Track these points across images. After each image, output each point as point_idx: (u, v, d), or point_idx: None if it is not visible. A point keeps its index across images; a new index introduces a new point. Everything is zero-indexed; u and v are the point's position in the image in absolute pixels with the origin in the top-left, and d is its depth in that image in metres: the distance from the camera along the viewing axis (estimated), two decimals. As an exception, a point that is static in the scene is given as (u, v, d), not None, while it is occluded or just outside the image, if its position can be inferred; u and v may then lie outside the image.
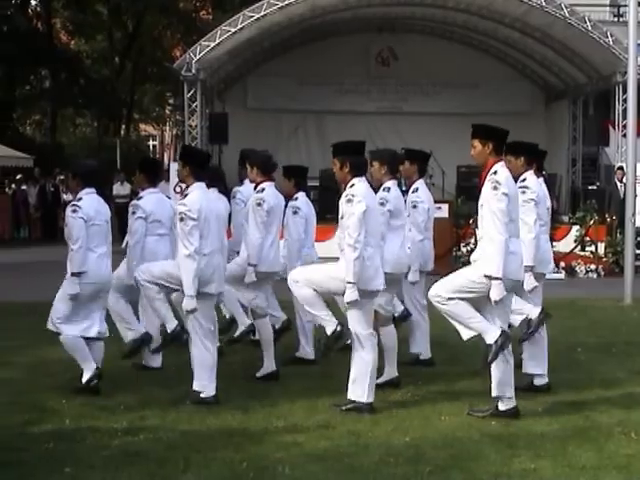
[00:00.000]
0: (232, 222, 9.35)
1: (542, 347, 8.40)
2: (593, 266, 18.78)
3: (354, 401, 7.53)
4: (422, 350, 9.45)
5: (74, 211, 8.11)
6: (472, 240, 18.70)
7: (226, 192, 9.20)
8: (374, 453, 6.47)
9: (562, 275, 18.21)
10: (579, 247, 19.34)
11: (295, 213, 9.43)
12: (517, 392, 7.50)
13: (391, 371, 8.46)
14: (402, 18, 25.76)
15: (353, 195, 7.46)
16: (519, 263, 7.32)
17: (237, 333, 9.29)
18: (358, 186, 7.54)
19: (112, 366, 8.65)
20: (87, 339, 8.17)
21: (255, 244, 8.76)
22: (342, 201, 7.54)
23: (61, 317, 8.13)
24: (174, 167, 18.23)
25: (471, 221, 19.14)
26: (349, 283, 7.34)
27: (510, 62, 27.06)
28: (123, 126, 44.35)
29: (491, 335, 7.16)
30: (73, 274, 8.06)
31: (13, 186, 29.26)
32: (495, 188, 7.12)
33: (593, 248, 19.21)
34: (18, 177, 29.09)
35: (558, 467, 6.18)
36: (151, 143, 55.74)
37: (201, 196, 7.81)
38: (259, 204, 8.79)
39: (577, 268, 18.64)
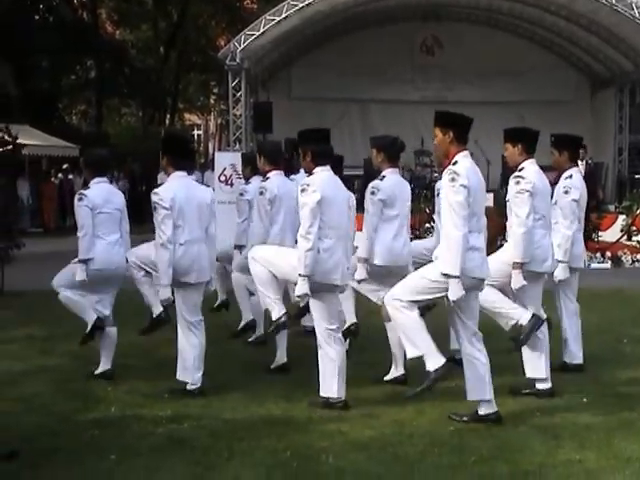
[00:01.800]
0: None
1: (541, 350, 7.82)
2: (639, 256, 18.59)
3: (326, 398, 7.36)
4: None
5: (80, 199, 8.29)
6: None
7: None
8: (418, 442, 6.46)
9: (608, 265, 18.06)
10: (625, 237, 19.16)
11: None
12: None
13: (398, 369, 8.24)
14: (447, 6, 25.65)
15: (308, 185, 7.23)
16: (482, 259, 6.81)
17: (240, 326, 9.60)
18: (316, 176, 7.34)
19: (156, 354, 8.71)
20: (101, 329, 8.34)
21: (256, 233, 8.77)
22: (298, 190, 7.39)
23: (64, 285, 8.34)
24: (218, 156, 18.28)
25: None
26: (300, 275, 7.10)
27: (555, 50, 26.83)
28: (168, 115, 44.47)
29: (433, 362, 6.81)
30: (80, 260, 8.20)
31: (60, 175, 29.55)
32: (453, 180, 6.65)
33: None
34: (64, 166, 29.35)
35: (603, 458, 6.13)
36: (196, 132, 55.84)
37: (176, 185, 7.74)
38: (261, 193, 8.81)
39: (623, 258, 18.42)
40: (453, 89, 26.17)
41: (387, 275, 7.96)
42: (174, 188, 7.72)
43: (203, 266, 7.85)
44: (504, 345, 7.97)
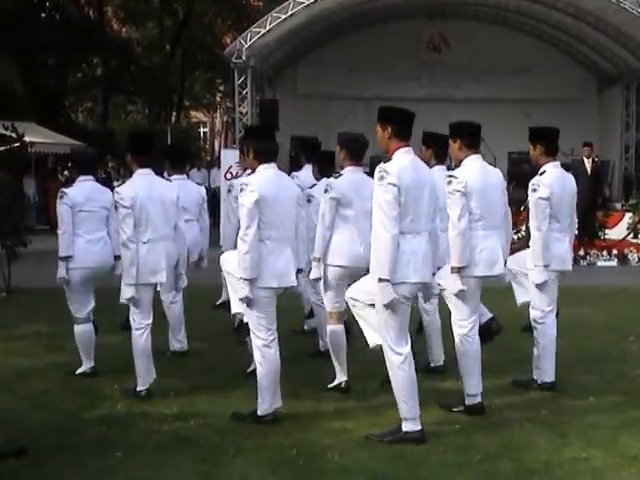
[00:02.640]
0: None
1: (474, 364, 7.29)
2: (646, 254, 18.57)
3: (255, 411, 7.01)
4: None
5: (60, 197, 8.36)
6: (523, 227, 18.57)
7: None
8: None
9: (614, 263, 18.04)
10: (632, 234, 19.14)
11: (308, 201, 8.65)
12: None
13: (341, 375, 7.91)
14: (453, 4, 25.64)
15: (246, 185, 6.85)
16: (420, 262, 6.38)
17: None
18: (257, 174, 6.97)
19: (161, 353, 8.72)
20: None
21: (228, 234, 8.77)
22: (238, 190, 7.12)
23: (74, 306, 8.41)
24: (224, 154, 18.31)
25: (522, 207, 19.00)
26: (241, 279, 6.80)
27: (562, 47, 26.81)
28: (174, 113, 44.53)
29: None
30: (59, 258, 8.25)
31: (66, 173, 29.52)
32: (381, 178, 6.28)
33: (646, 235, 19.04)
34: (70, 164, 29.36)
35: (609, 457, 6.13)
36: (202, 130, 55.86)
37: (139, 183, 7.68)
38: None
39: (630, 256, 18.40)
40: (460, 87, 26.18)
41: (344, 276, 7.72)
42: (136, 186, 7.68)
43: (170, 265, 7.82)
44: (503, 344, 7.97)
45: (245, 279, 6.76)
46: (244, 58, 22.29)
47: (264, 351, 6.91)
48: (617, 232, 19.15)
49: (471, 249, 7.07)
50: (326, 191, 7.78)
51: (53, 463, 6.01)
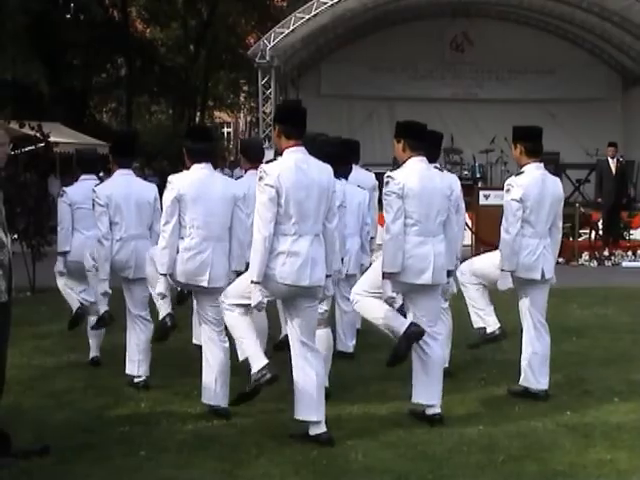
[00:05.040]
0: None
1: (432, 371, 6.97)
2: (671, 254, 18.44)
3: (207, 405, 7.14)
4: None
5: (60, 196, 8.96)
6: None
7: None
8: (447, 441, 6.44)
9: (639, 264, 17.93)
10: (658, 235, 19.05)
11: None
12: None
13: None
14: (477, 3, 25.61)
15: (170, 182, 7.07)
16: (299, 265, 6.21)
17: None
18: (184, 173, 7.14)
19: (185, 351, 8.74)
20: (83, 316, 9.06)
21: None
22: None
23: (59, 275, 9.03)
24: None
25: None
26: (159, 274, 7.01)
27: (587, 47, 26.70)
28: (198, 113, 44.62)
29: (257, 363, 6.44)
30: (58, 253, 8.88)
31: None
32: (260, 178, 6.24)
33: (672, 236, 18.93)
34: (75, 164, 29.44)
35: (635, 458, 6.08)
36: (225, 130, 56.00)
37: (117, 183, 7.91)
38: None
39: (656, 257, 18.31)
40: (483, 86, 26.13)
41: None
42: (113, 186, 8.02)
43: (141, 263, 7.89)
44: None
45: (161, 274, 6.97)
46: (268, 58, 22.33)
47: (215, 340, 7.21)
48: (643, 233, 19.08)
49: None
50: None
51: (78, 461, 6.03)
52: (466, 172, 23.15)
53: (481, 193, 18.03)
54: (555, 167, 22.99)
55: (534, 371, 7.67)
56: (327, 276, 6.48)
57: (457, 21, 26.29)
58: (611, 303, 12.29)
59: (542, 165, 7.71)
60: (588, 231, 18.51)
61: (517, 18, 26.32)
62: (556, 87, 25.22)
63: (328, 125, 22.55)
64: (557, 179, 7.86)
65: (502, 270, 7.48)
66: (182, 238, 6.99)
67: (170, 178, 7.11)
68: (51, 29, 31.51)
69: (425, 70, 26.26)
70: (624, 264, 17.80)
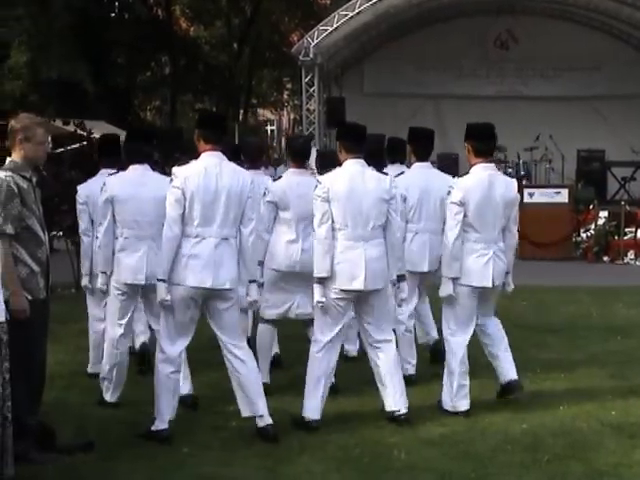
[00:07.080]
0: None
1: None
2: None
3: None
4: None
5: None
6: (592, 225, 18.38)
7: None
8: (490, 439, 6.41)
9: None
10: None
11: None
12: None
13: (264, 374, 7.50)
14: (521, 0, 25.39)
15: (104, 184, 7.44)
16: (201, 267, 6.28)
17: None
18: (118, 174, 7.48)
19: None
20: None
21: None
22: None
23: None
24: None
25: (591, 206, 18.80)
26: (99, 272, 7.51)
27: (633, 43, 26.35)
28: (241, 111, 44.76)
29: None
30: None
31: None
32: (171, 180, 6.48)
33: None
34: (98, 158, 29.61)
35: (681, 459, 6.02)
36: (269, 128, 56.11)
37: (98, 184, 7.84)
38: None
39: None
40: (528, 84, 25.88)
41: (285, 281, 7.66)
42: (94, 186, 8.06)
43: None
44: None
45: (101, 272, 7.39)
46: (311, 56, 22.33)
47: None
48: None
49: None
50: (264, 194, 7.64)
51: (121, 458, 6.07)
52: (510, 170, 23.01)
53: (526, 191, 17.85)
54: (601, 164, 22.91)
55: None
56: (252, 281, 6.64)
57: (501, 18, 26.05)
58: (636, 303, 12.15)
59: (492, 165, 7.33)
60: (634, 229, 18.32)
61: (562, 14, 26.08)
62: (601, 84, 24.96)
63: (372, 123, 22.24)
64: (510, 180, 7.48)
65: (442, 277, 7.20)
66: (116, 237, 7.34)
67: (105, 180, 7.45)
68: (96, 28, 31.76)
69: (469, 68, 26.06)
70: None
